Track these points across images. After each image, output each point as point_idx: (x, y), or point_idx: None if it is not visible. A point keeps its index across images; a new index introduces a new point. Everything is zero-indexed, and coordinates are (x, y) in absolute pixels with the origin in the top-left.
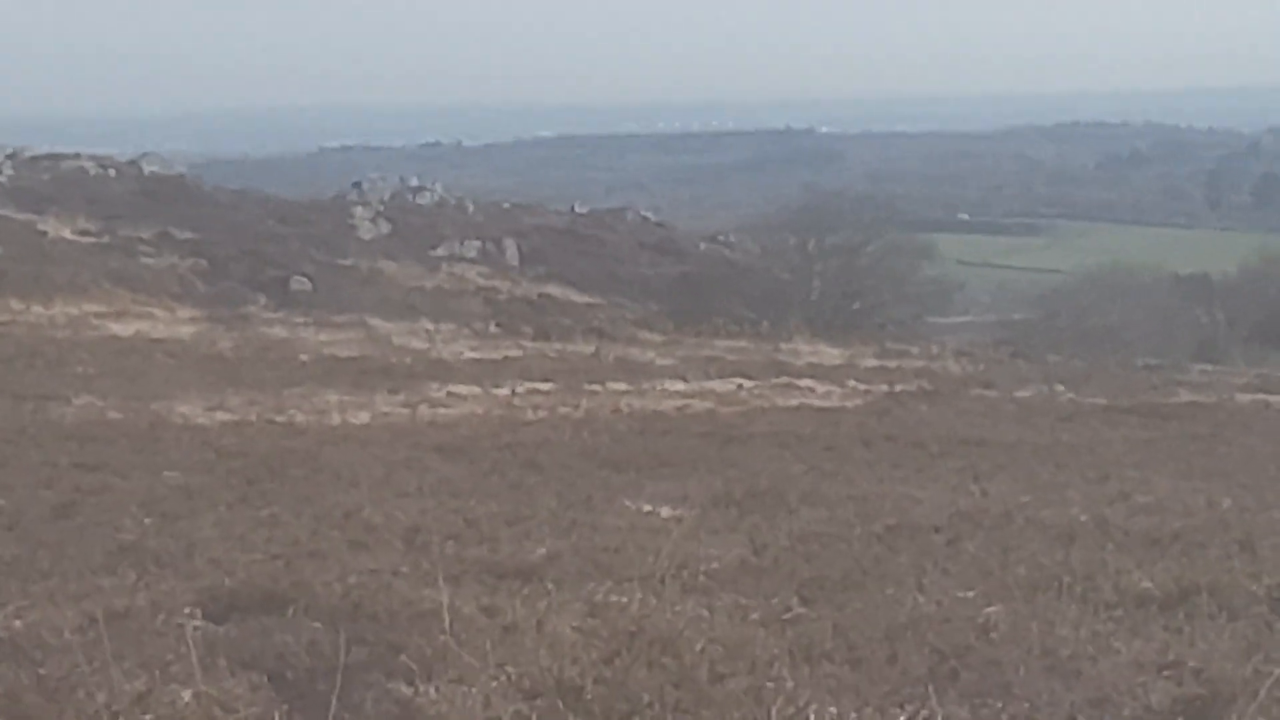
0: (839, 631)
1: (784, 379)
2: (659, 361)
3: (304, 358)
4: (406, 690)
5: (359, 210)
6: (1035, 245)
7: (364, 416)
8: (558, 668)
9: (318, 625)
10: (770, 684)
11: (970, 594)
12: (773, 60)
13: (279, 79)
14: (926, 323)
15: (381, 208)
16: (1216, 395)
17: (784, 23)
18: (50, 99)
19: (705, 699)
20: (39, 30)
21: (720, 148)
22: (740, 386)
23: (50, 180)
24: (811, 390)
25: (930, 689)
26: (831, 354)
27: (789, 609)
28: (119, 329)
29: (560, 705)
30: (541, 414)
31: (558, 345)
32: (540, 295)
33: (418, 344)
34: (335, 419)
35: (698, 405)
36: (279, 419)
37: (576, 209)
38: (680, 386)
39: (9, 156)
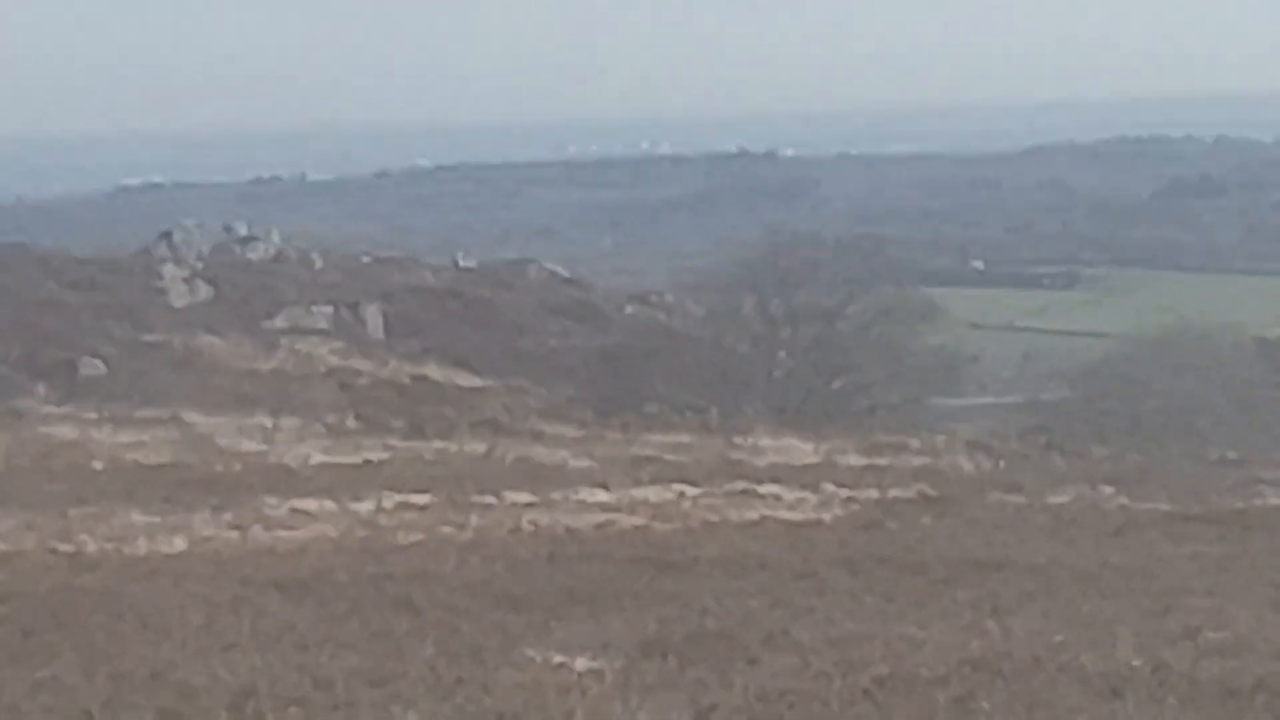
0: None
1: (740, 484)
2: (573, 464)
3: (98, 465)
4: None
5: (169, 269)
6: (1073, 301)
7: (179, 543)
8: None
9: None
10: None
11: None
12: (721, 65)
13: (62, 99)
14: (930, 406)
15: (200, 265)
16: None
17: (736, 17)
18: None
19: None
20: None
21: (653, 179)
22: (682, 495)
23: None
24: (777, 499)
25: None
26: (803, 450)
27: None
28: None
29: None
30: (416, 536)
31: (437, 444)
32: (413, 378)
33: (250, 445)
34: (141, 547)
35: (624, 521)
36: (64, 548)
37: (461, 263)
38: (602, 497)
39: None
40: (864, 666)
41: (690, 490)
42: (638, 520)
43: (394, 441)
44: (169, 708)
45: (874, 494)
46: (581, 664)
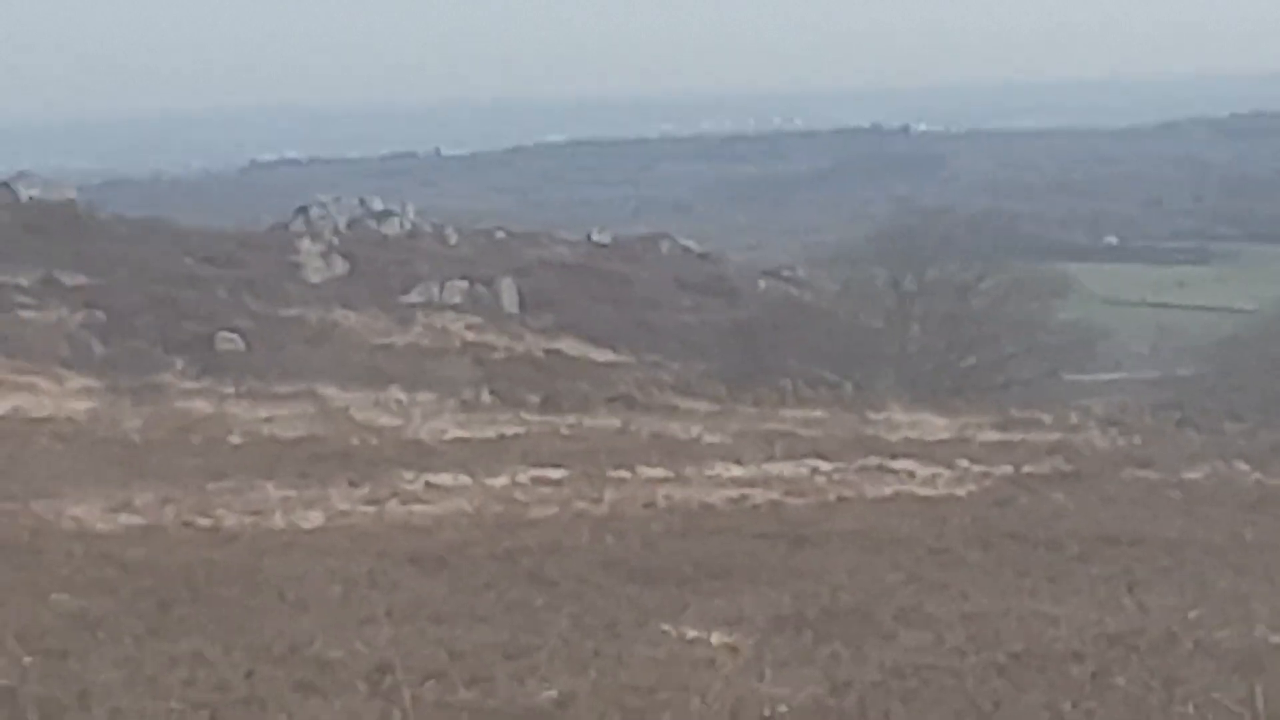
0: None
1: (873, 459)
2: (707, 438)
3: (235, 440)
4: None
5: (305, 244)
6: (1208, 277)
7: (316, 517)
8: None
9: None
10: None
11: None
12: (852, 39)
13: (198, 76)
14: (1063, 382)
15: (335, 240)
16: None
17: None
18: None
19: None
20: None
21: (785, 154)
22: (815, 470)
23: None
24: (910, 474)
25: None
26: (936, 425)
27: None
28: None
29: None
30: (551, 511)
31: (572, 419)
32: (548, 352)
33: (386, 420)
34: (278, 521)
35: (758, 496)
36: (203, 522)
37: (595, 237)
38: (735, 471)
39: None
40: (998, 642)
41: (824, 465)
42: (771, 495)
43: (528, 416)
44: (306, 681)
45: (1008, 469)
46: (716, 639)
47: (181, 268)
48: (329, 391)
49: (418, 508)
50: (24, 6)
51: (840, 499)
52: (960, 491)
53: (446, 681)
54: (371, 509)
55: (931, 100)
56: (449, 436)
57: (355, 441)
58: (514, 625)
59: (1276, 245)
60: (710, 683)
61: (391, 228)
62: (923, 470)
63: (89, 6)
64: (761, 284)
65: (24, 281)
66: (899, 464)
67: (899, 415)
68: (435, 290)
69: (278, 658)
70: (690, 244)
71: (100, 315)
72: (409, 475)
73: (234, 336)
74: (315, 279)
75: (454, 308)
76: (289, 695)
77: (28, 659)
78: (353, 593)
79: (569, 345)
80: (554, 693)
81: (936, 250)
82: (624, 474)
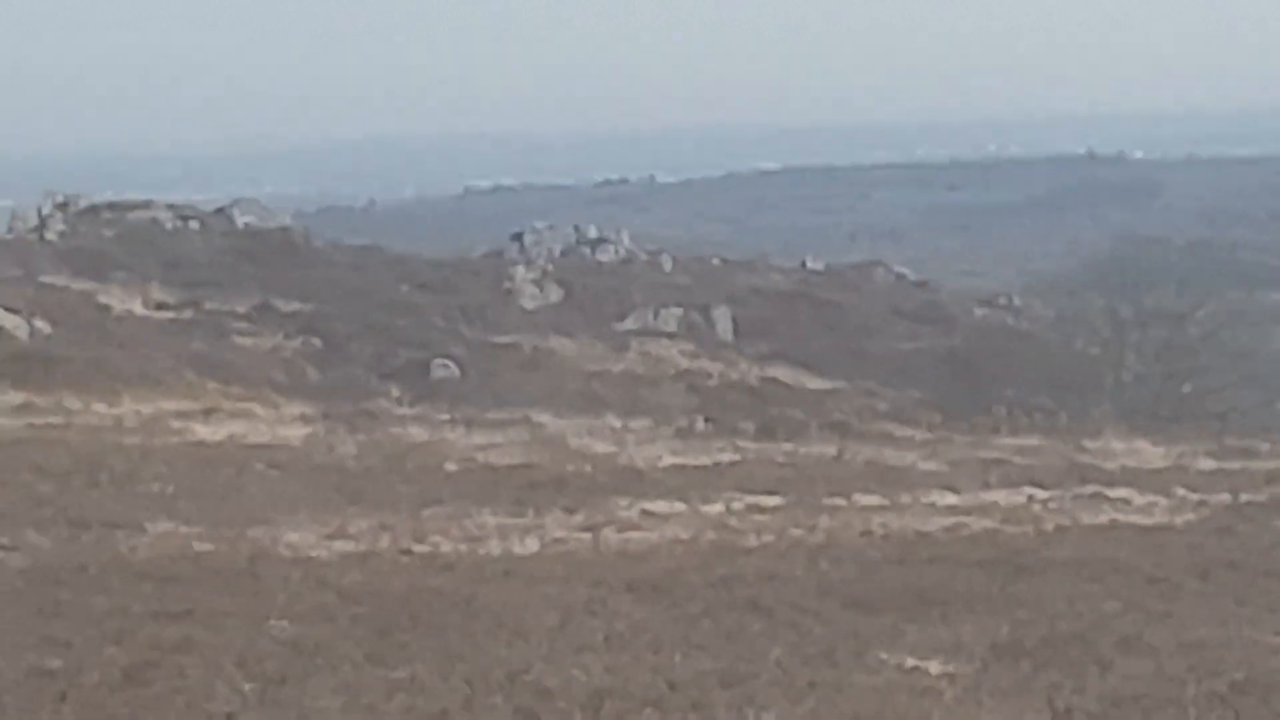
0: None
1: (1090, 488)
2: (921, 466)
3: (450, 467)
4: None
5: (520, 271)
6: None
7: (531, 544)
8: None
9: None
10: None
11: None
12: (1067, 64)
13: (411, 102)
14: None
15: (549, 267)
16: None
17: (1086, 17)
18: (104, 131)
19: None
20: (89, 48)
21: (1000, 181)
22: (1031, 499)
23: (114, 237)
24: (1127, 503)
25: None
26: (1153, 454)
27: None
28: (207, 433)
29: None
30: (767, 538)
31: (787, 446)
32: (763, 380)
33: (601, 447)
34: (493, 548)
35: (974, 524)
36: (419, 549)
37: (809, 265)
38: (951, 500)
39: (59, 206)
40: (1219, 671)
41: (1040, 493)
42: (987, 523)
43: (743, 443)
44: (525, 708)
45: (1225, 498)
46: (935, 667)
47: (397, 294)
48: (544, 418)
49: (633, 535)
50: (243, 37)
51: (1057, 527)
52: (1178, 520)
53: (664, 709)
54: (587, 536)
55: (1148, 126)
56: (664, 463)
57: (570, 469)
58: (731, 653)
59: None
60: (929, 711)
61: (606, 254)
62: (1139, 499)
63: (303, 34)
64: (977, 311)
65: (240, 308)
66: (1115, 492)
67: (1115, 443)
68: (650, 317)
69: (496, 685)
70: (905, 271)
71: (316, 341)
72: (624, 502)
73: (449, 363)
74: (530, 305)
75: (669, 335)
76: None
77: (248, 686)
78: (569, 620)
79: (783, 372)
80: None
81: (1153, 278)
82: (839, 501)
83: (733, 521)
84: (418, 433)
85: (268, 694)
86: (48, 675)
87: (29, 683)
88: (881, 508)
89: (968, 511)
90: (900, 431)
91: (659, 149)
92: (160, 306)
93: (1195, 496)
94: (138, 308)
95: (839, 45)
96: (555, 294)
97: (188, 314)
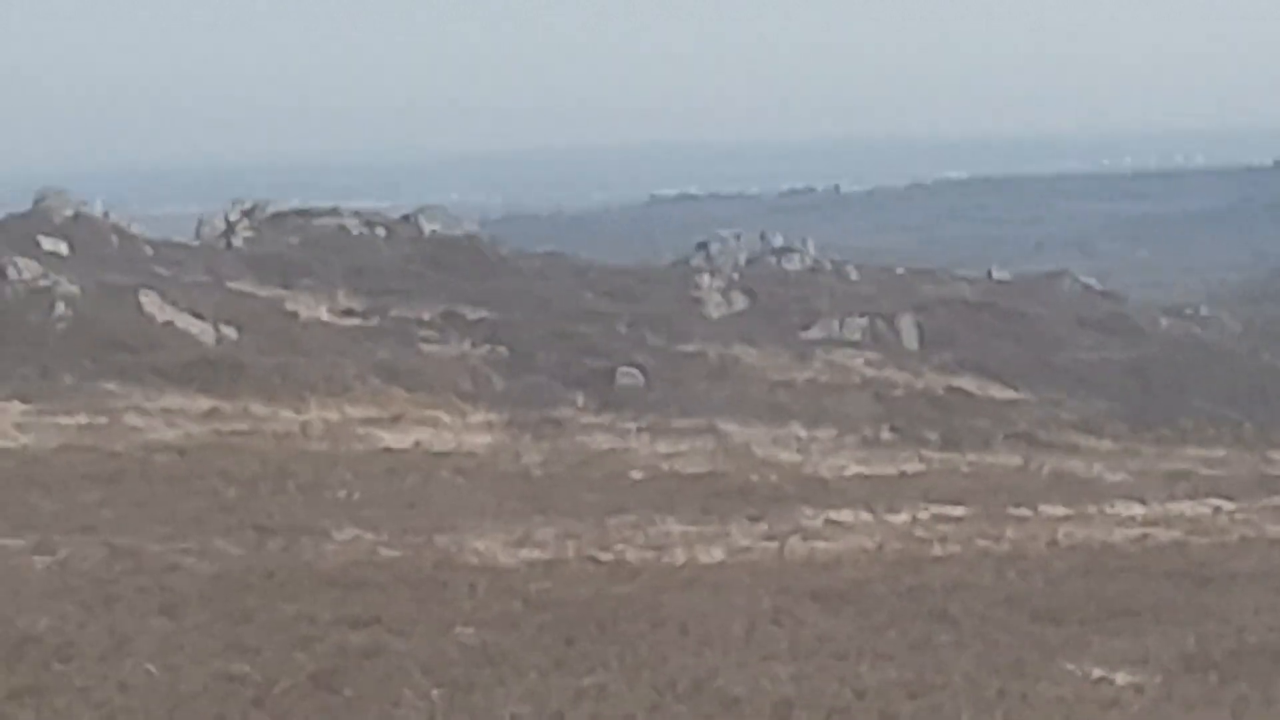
0: None
1: (1277, 499)
2: (1108, 477)
3: (636, 475)
4: None
5: (706, 279)
6: None
7: (717, 553)
8: None
9: None
10: None
11: None
12: (1255, 76)
13: (597, 111)
14: None
15: (735, 276)
16: None
17: (1272, 29)
18: (291, 139)
19: None
20: (275, 58)
21: (1187, 191)
22: (1218, 510)
23: (300, 244)
24: None
25: None
26: None
27: None
28: (393, 439)
29: None
30: (952, 548)
31: (972, 456)
32: (948, 390)
33: (786, 456)
34: (679, 556)
35: (1161, 535)
36: (604, 557)
37: (994, 275)
38: (1137, 510)
39: (246, 213)
40: None
41: (1227, 505)
42: (1174, 534)
43: (929, 453)
44: (711, 716)
45: None
46: (1121, 678)
47: (582, 302)
48: (729, 427)
49: (819, 544)
50: (430, 47)
51: (1243, 539)
52: None
53: (850, 718)
54: (772, 545)
55: None
56: (849, 473)
57: (755, 478)
58: (917, 663)
59: None
60: None
61: (792, 263)
62: None
63: (492, 45)
64: (1163, 322)
65: (426, 315)
66: None
67: None
68: (835, 326)
69: (682, 693)
70: (1091, 281)
71: (502, 349)
72: (809, 511)
73: (634, 371)
74: (715, 314)
75: (854, 344)
76: None
77: (435, 692)
78: (755, 629)
79: (969, 382)
80: None
81: None
82: (1025, 512)
83: (918, 531)
84: (603, 441)
85: (455, 700)
86: (237, 681)
87: (218, 687)
88: (1067, 518)
89: (1154, 523)
90: (1086, 442)
91: (844, 158)
92: (346, 313)
93: None
94: (324, 314)
95: (1026, 56)
96: (741, 302)
97: (374, 321)
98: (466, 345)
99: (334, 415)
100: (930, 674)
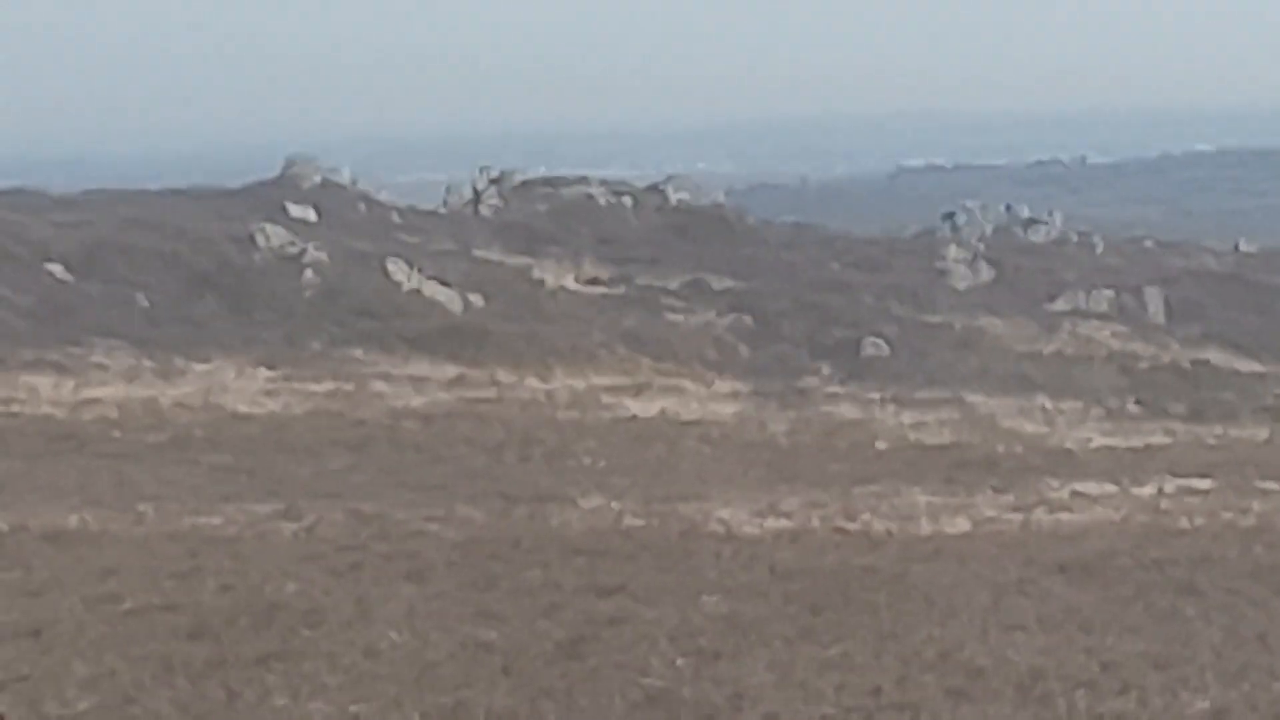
0: None
1: None
2: None
3: (881, 445)
4: None
5: (952, 250)
6: None
7: (962, 524)
8: None
9: None
10: None
11: None
12: None
13: (843, 81)
14: None
15: (981, 247)
16: None
17: None
18: (538, 107)
19: None
20: (524, 28)
21: None
22: None
23: (547, 213)
24: None
25: None
26: None
27: None
28: (638, 408)
29: None
30: (1199, 521)
31: (1218, 429)
32: (1194, 362)
33: (1031, 427)
34: (924, 527)
35: None
36: (850, 527)
37: (1242, 247)
38: None
39: (493, 181)
40: None
41: None
42: None
43: (1174, 426)
44: (957, 687)
45: None
46: None
47: (828, 273)
48: (974, 398)
49: (1064, 516)
50: (675, 16)
51: None
52: None
53: (1097, 690)
54: (1018, 516)
55: None
56: (1094, 445)
57: (1000, 449)
58: (1164, 636)
59: None
60: None
61: (1038, 235)
62: None
63: (735, 12)
64: None
65: (672, 284)
66: None
67: None
68: (1081, 298)
69: (928, 664)
70: None
71: (747, 319)
72: (1054, 483)
73: (879, 342)
74: (961, 285)
75: (1100, 316)
76: (941, 701)
77: (681, 661)
78: (1001, 600)
79: (1215, 355)
80: (1207, 704)
81: None
82: (1272, 485)
83: (1164, 504)
84: (848, 411)
85: (702, 669)
86: (484, 648)
87: (464, 654)
88: None
89: None
90: None
91: (1091, 129)
92: (592, 282)
93: None
94: (570, 283)
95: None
96: (986, 274)
97: (620, 290)
98: (712, 314)
99: (579, 383)
100: (1177, 647)
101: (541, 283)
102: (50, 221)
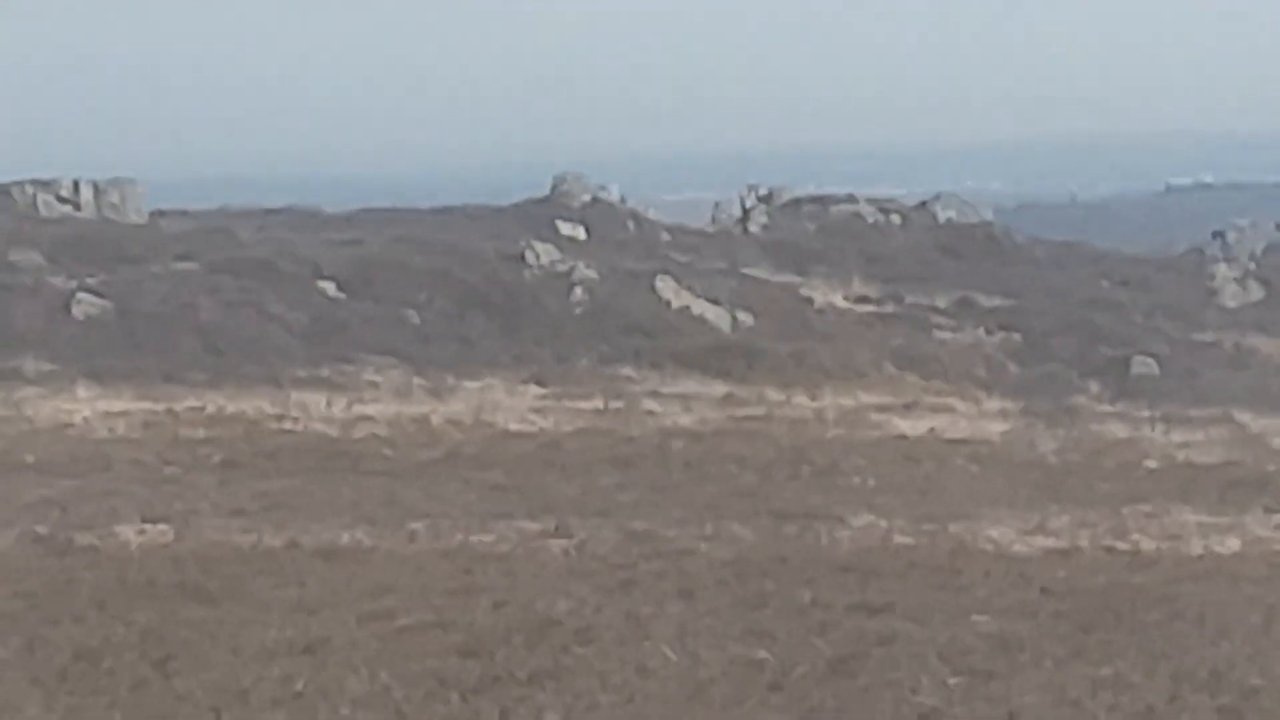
0: None
1: None
2: None
3: (1151, 464)
4: None
5: (1222, 269)
6: None
7: (1233, 543)
8: None
9: None
10: None
11: None
12: None
13: (1113, 98)
14: None
15: (1252, 265)
16: None
17: None
18: (801, 126)
19: None
20: (790, 49)
21: None
22: None
23: (816, 231)
24: None
25: None
26: None
27: None
28: (907, 426)
29: None
30: None
31: None
32: None
33: None
34: (1195, 547)
35: None
36: (1120, 546)
37: None
38: None
39: (762, 199)
40: None
41: None
42: None
43: None
44: (1230, 706)
45: None
46: None
47: (1097, 291)
48: (1244, 417)
49: None
50: (940, 34)
51: None
52: None
53: None
54: None
55: None
56: None
57: (1273, 468)
58: None
59: None
60: None
61: None
62: None
63: (1005, 32)
64: None
65: (940, 303)
66: None
67: None
68: None
69: (1200, 684)
70: None
71: (1016, 337)
72: None
73: (1149, 360)
74: (1231, 304)
75: None
76: None
77: (952, 680)
78: (1274, 621)
79: None
80: None
81: None
82: None
83: None
84: (1117, 430)
85: (973, 689)
86: (755, 666)
87: (736, 672)
88: None
89: None
90: None
91: None
92: (861, 300)
93: None
94: (839, 301)
95: None
96: (1257, 292)
97: (888, 308)
98: (981, 332)
99: (849, 401)
100: None
101: (810, 301)
102: (322, 240)
